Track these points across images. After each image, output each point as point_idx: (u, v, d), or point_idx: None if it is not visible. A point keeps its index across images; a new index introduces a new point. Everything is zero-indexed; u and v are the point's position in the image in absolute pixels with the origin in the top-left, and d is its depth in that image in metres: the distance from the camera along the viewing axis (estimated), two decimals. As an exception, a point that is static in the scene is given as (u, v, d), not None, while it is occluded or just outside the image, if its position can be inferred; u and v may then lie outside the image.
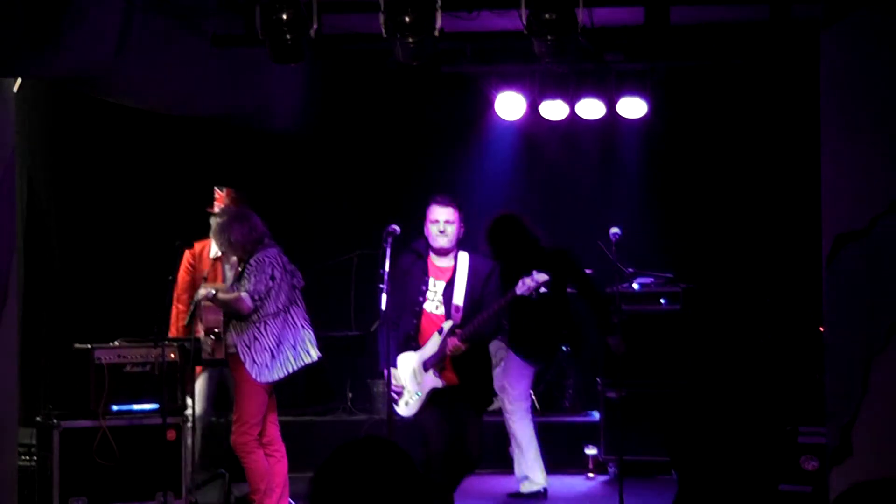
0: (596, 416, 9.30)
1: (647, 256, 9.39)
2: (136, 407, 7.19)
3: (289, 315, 7.13)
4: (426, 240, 6.87)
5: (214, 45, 7.48)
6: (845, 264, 6.26)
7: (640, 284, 8.95)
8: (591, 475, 8.81)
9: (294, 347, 7.12)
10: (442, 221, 6.73)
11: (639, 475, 8.47)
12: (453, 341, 6.58)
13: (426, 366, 6.68)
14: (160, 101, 8.04)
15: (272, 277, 7.05)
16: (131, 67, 7.01)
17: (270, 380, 7.05)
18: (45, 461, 7.05)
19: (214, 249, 7.68)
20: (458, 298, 6.68)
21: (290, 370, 7.14)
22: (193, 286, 7.73)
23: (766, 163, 10.18)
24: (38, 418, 7.26)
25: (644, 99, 9.52)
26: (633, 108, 9.59)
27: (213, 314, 7.08)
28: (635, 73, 9.45)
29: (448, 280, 6.74)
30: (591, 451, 8.83)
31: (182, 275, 7.85)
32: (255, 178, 9.83)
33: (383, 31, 6.61)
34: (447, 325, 6.67)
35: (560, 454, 9.06)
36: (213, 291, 7.01)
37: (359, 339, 8.46)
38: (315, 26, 6.72)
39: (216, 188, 7.95)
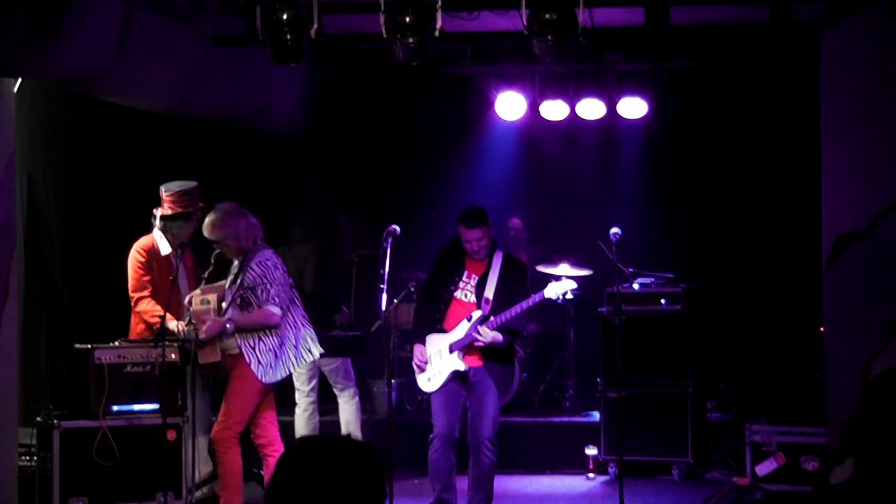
0: (596, 416, 9.29)
1: (648, 256, 9.38)
2: (136, 407, 7.18)
3: (289, 314, 7.11)
4: None
5: (214, 45, 7.48)
6: (845, 264, 6.27)
7: (641, 285, 8.94)
8: (591, 475, 8.81)
9: (296, 347, 7.11)
10: (474, 241, 7.01)
11: (639, 475, 8.48)
12: (488, 334, 6.85)
13: (452, 348, 7.00)
14: (160, 102, 8.03)
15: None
16: (131, 67, 7.01)
17: (275, 380, 7.04)
18: (45, 461, 7.03)
19: (165, 247, 7.60)
20: (490, 291, 7.00)
21: (292, 369, 7.14)
22: (159, 285, 7.44)
23: (766, 163, 10.18)
24: (38, 418, 7.24)
25: (644, 99, 9.53)
26: (633, 108, 9.60)
27: (215, 325, 6.98)
28: (635, 73, 9.46)
29: (482, 275, 7.05)
30: (591, 451, 8.82)
31: (137, 272, 7.45)
32: (255, 178, 9.83)
33: (383, 31, 6.61)
34: (476, 314, 6.96)
35: (560, 454, 9.06)
36: (233, 326, 6.91)
37: (359, 340, 8.43)
38: (315, 26, 6.73)
39: (162, 188, 7.56)
